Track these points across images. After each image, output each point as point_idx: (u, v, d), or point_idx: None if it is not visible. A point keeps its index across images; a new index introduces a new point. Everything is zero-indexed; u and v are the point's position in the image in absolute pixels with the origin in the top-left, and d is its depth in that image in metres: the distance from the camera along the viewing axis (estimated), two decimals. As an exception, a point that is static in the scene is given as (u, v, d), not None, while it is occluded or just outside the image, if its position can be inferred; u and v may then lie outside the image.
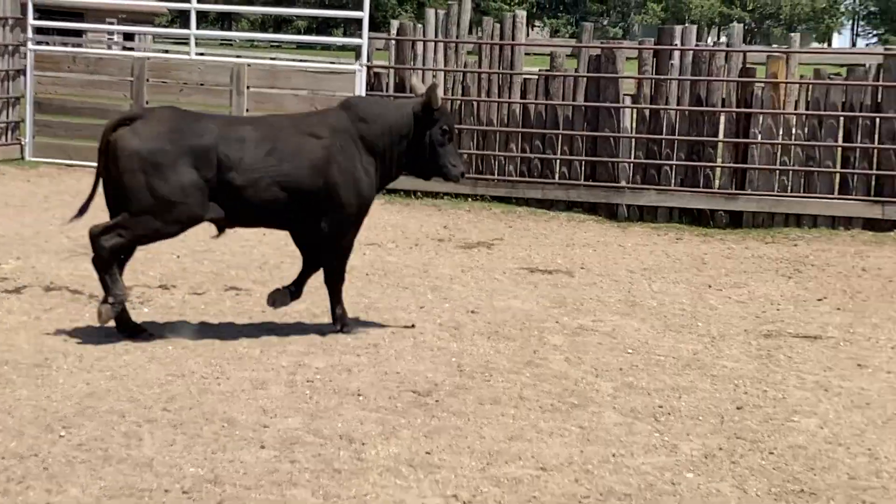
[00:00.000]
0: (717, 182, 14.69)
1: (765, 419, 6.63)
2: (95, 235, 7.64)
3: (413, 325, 8.58)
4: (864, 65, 14.30)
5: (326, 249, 8.18)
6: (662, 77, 14.60)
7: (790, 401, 7.02)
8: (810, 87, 14.29)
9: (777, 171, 14.34)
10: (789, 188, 14.30)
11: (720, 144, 14.70)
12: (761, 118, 14.30)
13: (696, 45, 14.88)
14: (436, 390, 6.96)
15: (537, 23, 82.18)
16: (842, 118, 14.18)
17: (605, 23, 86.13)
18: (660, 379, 7.40)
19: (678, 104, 14.51)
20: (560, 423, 6.43)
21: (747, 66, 14.65)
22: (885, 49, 15.13)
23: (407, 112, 8.18)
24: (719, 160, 14.72)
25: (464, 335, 8.39)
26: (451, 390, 6.98)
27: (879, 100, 14.04)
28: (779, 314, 9.62)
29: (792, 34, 14.96)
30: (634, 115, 14.98)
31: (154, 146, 7.58)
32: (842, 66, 15.63)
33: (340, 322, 8.32)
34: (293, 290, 8.39)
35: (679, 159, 14.55)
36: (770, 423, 6.55)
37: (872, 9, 79.44)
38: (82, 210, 7.96)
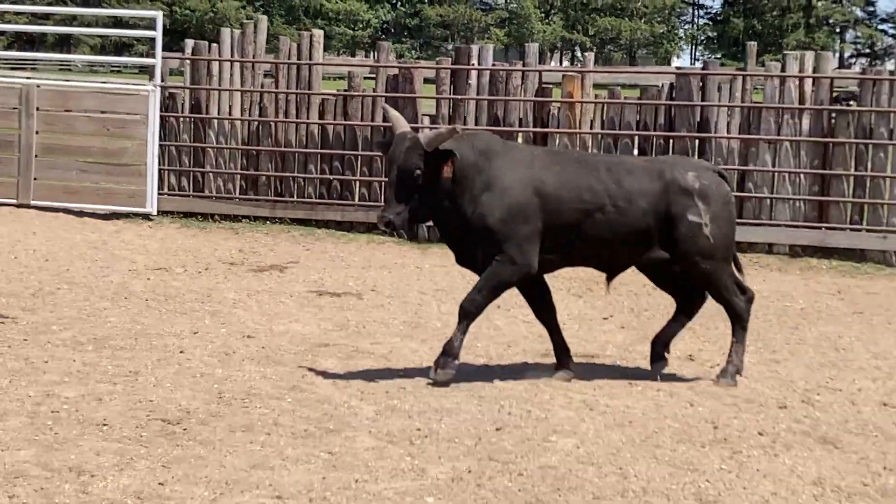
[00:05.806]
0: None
1: (522, 440, 6.46)
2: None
3: (182, 352, 8.28)
4: (657, 85, 14.47)
5: None
6: (460, 97, 14.56)
7: (552, 420, 6.88)
8: (605, 106, 14.40)
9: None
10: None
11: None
12: (558, 137, 14.36)
13: (493, 65, 14.85)
14: (187, 418, 6.65)
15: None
16: (636, 137, 14.32)
17: (450, 48, 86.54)
18: (425, 401, 7.19)
19: (476, 124, 14.41)
20: (310, 449, 6.17)
21: (543, 85, 14.70)
22: (677, 69, 15.34)
23: None
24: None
25: (232, 361, 8.08)
26: (203, 418, 6.67)
27: (672, 118, 14.21)
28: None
29: (587, 53, 15.06)
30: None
31: None
32: (635, 86, 15.81)
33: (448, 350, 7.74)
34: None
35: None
36: (526, 444, 6.38)
37: (711, 34, 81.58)
38: None
